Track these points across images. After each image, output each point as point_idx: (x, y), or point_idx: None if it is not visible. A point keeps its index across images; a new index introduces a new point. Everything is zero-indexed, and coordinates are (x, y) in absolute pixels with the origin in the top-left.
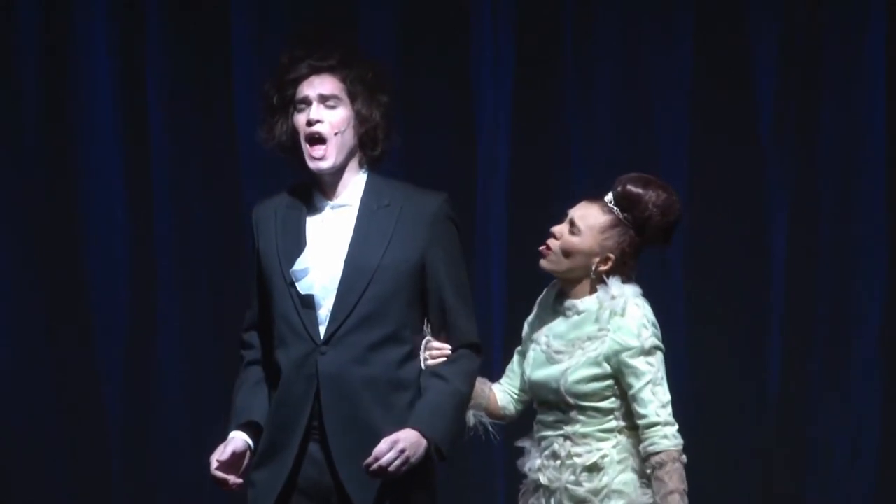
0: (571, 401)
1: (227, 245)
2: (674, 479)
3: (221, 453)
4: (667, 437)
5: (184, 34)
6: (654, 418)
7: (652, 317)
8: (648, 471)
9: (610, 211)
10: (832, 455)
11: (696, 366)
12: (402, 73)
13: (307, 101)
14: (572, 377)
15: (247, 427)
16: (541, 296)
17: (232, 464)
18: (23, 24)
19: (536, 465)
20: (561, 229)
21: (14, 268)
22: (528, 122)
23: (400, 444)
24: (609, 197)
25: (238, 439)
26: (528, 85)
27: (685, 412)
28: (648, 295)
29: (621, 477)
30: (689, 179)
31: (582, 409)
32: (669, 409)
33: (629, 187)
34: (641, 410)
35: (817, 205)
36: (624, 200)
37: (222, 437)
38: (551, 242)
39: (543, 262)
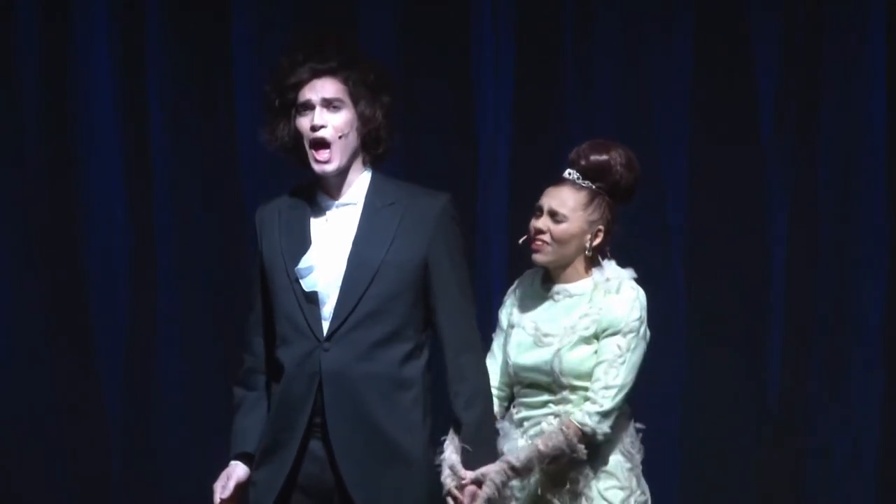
0: (565, 381)
1: (227, 245)
2: (548, 442)
3: (225, 488)
4: (583, 413)
5: (184, 34)
6: (591, 394)
7: (644, 300)
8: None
9: (582, 187)
10: (832, 456)
11: (696, 366)
12: (403, 73)
13: (310, 106)
14: (567, 357)
15: (243, 456)
16: (514, 287)
17: (234, 496)
18: (23, 24)
19: (518, 446)
20: (545, 223)
21: (14, 268)
22: (529, 122)
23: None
24: (573, 174)
25: (240, 468)
26: (529, 85)
27: (685, 412)
28: (649, 295)
29: (610, 458)
30: (689, 179)
31: (574, 389)
32: (612, 393)
33: (593, 158)
34: (590, 385)
35: (817, 205)
36: (592, 171)
37: (223, 442)
38: (543, 238)
39: (539, 257)
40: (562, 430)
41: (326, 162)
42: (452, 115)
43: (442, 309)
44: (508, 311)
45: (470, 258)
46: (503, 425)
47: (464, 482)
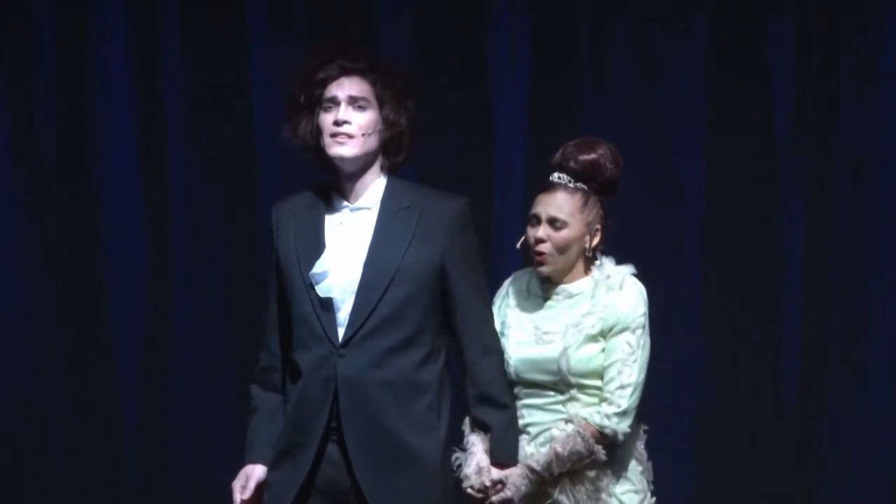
0: (573, 380)
1: (244, 249)
2: (567, 445)
3: (245, 488)
4: (601, 415)
5: (200, 38)
6: (606, 395)
7: (646, 295)
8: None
9: (576, 190)
10: (847, 456)
11: (711, 367)
12: (419, 73)
13: (336, 102)
14: (574, 356)
15: (259, 461)
16: (506, 287)
17: (254, 497)
18: (38, 28)
19: (528, 453)
20: (546, 232)
21: (32, 273)
22: (545, 122)
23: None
24: (562, 178)
25: (259, 468)
26: (544, 85)
27: (700, 413)
28: (664, 295)
29: (624, 461)
30: (705, 179)
31: (582, 388)
32: (628, 392)
33: (582, 158)
34: (603, 385)
35: (834, 205)
36: (584, 173)
37: (237, 444)
38: (544, 247)
39: (544, 269)
40: (579, 432)
41: (344, 145)
42: (469, 115)
43: (460, 312)
44: (502, 313)
45: (486, 258)
46: None
47: (487, 485)
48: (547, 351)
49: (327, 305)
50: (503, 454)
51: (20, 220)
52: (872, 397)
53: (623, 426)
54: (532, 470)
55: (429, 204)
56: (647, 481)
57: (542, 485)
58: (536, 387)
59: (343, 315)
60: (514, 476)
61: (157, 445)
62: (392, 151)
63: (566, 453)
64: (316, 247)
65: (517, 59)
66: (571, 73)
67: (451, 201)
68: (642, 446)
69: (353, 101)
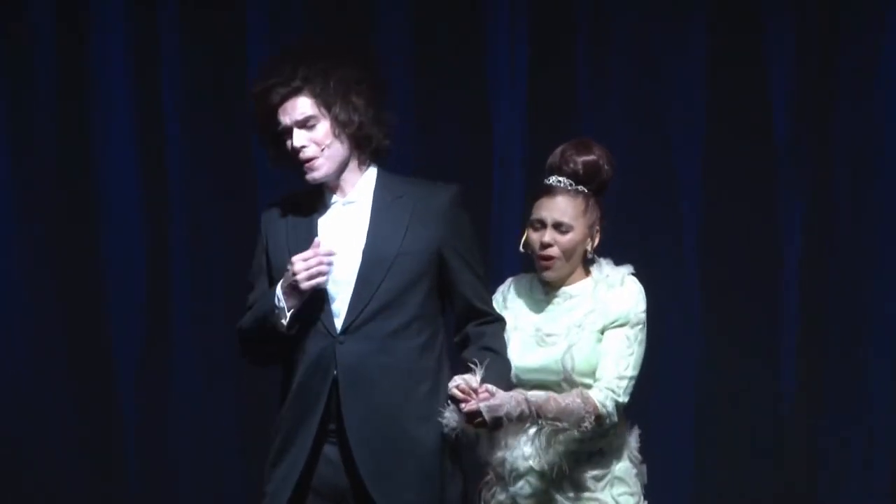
0: (577, 379)
1: (244, 249)
2: (566, 399)
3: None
4: (604, 395)
5: (199, 37)
6: (605, 382)
7: (644, 294)
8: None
9: (577, 192)
10: (847, 456)
11: (710, 366)
12: (418, 72)
13: (288, 130)
14: (580, 354)
15: None
16: (507, 287)
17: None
18: (38, 28)
19: (527, 453)
20: (552, 236)
21: (30, 273)
22: (544, 123)
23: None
24: (561, 181)
25: None
26: (544, 86)
27: (699, 411)
28: (663, 295)
29: (621, 464)
30: (703, 181)
31: (586, 387)
32: (624, 384)
33: (582, 160)
34: (599, 374)
35: (834, 205)
36: (584, 175)
37: (237, 443)
38: (552, 252)
39: (550, 274)
40: (582, 394)
41: (314, 169)
42: (468, 115)
43: (461, 292)
44: (500, 310)
45: (485, 258)
46: (498, 434)
47: (474, 387)
48: (551, 353)
49: (321, 296)
50: (495, 380)
51: (20, 220)
52: (872, 397)
53: (614, 417)
54: (526, 399)
55: (422, 193)
56: (642, 484)
57: (523, 423)
58: (539, 387)
59: (338, 306)
60: (505, 394)
61: (157, 445)
62: (363, 144)
63: (563, 404)
64: (308, 242)
65: (516, 59)
66: (571, 73)
67: (443, 189)
68: (637, 449)
69: (302, 125)
